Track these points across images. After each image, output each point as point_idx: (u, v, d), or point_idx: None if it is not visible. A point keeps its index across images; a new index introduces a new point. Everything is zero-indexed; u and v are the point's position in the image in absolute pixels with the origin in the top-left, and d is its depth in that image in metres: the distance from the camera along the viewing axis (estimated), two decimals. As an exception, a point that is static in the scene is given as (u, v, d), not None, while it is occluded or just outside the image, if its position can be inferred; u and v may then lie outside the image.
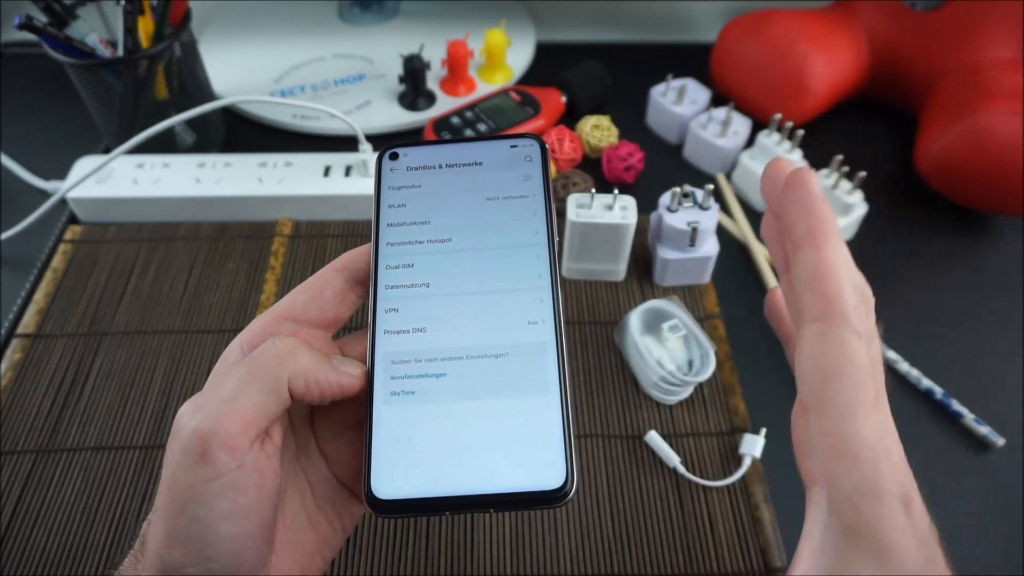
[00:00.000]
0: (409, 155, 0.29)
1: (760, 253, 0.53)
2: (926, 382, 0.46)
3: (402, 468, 0.24)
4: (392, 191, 0.28)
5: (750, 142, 0.59)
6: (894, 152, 0.62)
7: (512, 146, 0.29)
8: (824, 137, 0.61)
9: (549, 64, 0.68)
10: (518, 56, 0.68)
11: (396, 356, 0.26)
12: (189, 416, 0.22)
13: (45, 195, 0.56)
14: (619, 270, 0.50)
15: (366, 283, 0.27)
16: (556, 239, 0.27)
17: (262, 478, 0.22)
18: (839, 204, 0.52)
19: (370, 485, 0.24)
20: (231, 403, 0.22)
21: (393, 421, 0.25)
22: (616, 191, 0.47)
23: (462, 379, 0.25)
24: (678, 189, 0.47)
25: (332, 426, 0.28)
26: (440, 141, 0.30)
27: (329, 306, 0.27)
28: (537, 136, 0.29)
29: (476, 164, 0.29)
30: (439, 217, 0.28)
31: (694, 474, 0.42)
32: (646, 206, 0.53)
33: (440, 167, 0.29)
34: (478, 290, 0.26)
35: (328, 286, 0.27)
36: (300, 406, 0.27)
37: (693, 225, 0.47)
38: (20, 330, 0.48)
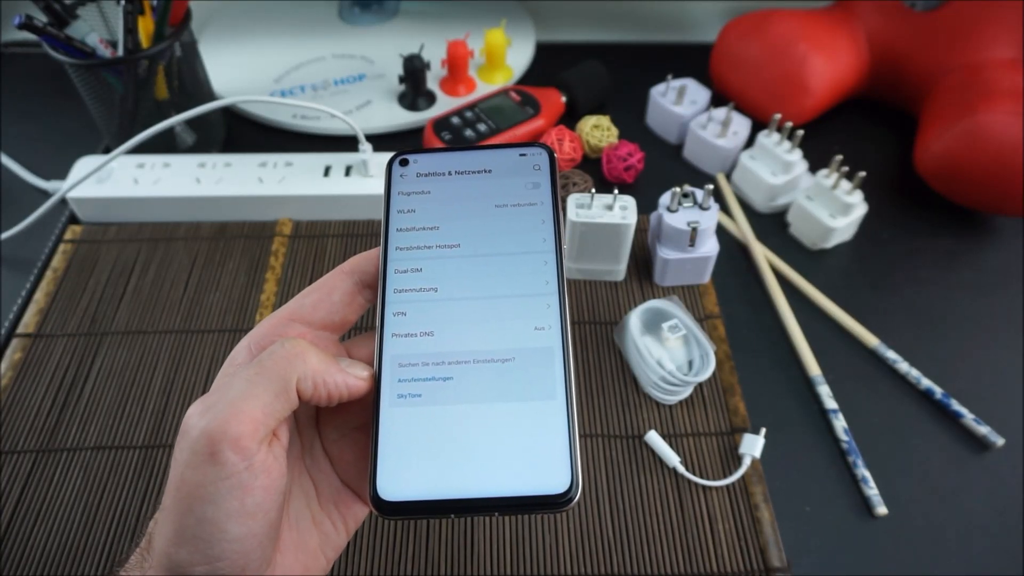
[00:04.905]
0: (419, 161, 0.29)
1: (760, 253, 0.53)
2: (926, 382, 0.46)
3: (408, 470, 0.24)
4: (402, 196, 0.29)
5: (750, 142, 0.59)
6: (894, 152, 0.62)
7: (521, 154, 0.29)
8: (824, 137, 0.61)
9: (549, 64, 0.68)
10: (518, 56, 0.68)
11: (403, 359, 0.26)
12: (198, 416, 0.22)
13: (45, 195, 0.56)
14: (619, 270, 0.50)
15: (374, 286, 0.28)
16: (564, 246, 0.27)
17: (269, 478, 0.22)
18: (839, 204, 0.52)
19: (376, 487, 0.24)
20: (239, 404, 0.22)
21: (399, 424, 0.25)
22: (616, 191, 0.47)
23: (468, 383, 0.25)
24: (678, 189, 0.47)
25: (338, 428, 0.28)
26: (449, 148, 0.30)
27: (337, 308, 0.27)
28: (546, 145, 0.30)
29: (485, 171, 0.29)
30: (448, 223, 0.28)
31: (694, 474, 0.42)
32: (646, 206, 0.53)
33: (449, 174, 0.29)
34: (486, 295, 0.26)
35: (336, 289, 0.27)
36: (306, 407, 0.27)
37: (693, 225, 0.47)
38: (20, 330, 0.48)
